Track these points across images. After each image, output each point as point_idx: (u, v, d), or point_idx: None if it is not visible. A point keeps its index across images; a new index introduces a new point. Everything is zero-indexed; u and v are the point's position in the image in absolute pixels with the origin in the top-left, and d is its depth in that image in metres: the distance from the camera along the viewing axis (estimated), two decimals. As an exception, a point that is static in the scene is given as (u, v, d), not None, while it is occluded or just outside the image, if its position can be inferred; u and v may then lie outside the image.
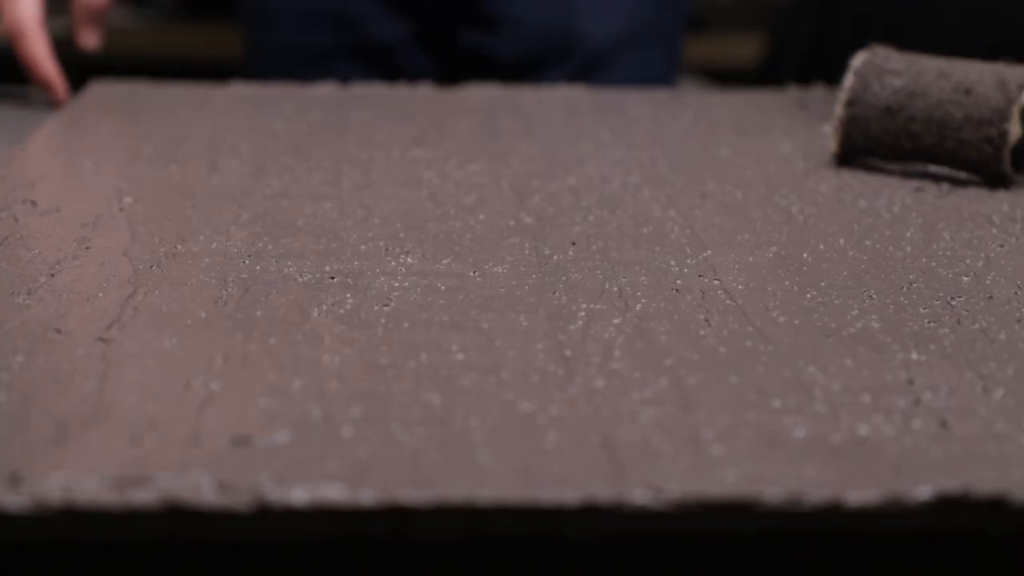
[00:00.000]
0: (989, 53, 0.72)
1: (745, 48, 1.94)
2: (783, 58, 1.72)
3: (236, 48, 1.17)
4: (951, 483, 0.38)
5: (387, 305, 0.52)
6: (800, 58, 1.67)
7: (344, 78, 0.99)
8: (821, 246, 0.60)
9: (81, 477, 0.37)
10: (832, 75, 0.99)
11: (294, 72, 1.01)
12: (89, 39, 0.95)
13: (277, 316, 0.50)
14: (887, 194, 0.69)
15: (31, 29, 0.89)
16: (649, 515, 0.37)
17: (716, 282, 0.55)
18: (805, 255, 0.59)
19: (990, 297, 0.54)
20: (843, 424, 0.42)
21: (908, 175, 0.73)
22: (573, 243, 0.60)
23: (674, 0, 1.14)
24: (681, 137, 0.82)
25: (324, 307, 0.51)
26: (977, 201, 0.68)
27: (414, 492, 0.37)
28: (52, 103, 0.91)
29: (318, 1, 1.09)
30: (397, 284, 0.54)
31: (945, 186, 0.70)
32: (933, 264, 0.58)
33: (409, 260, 0.57)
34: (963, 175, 0.71)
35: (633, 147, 0.79)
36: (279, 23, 1.11)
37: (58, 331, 0.49)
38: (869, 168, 0.74)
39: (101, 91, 0.94)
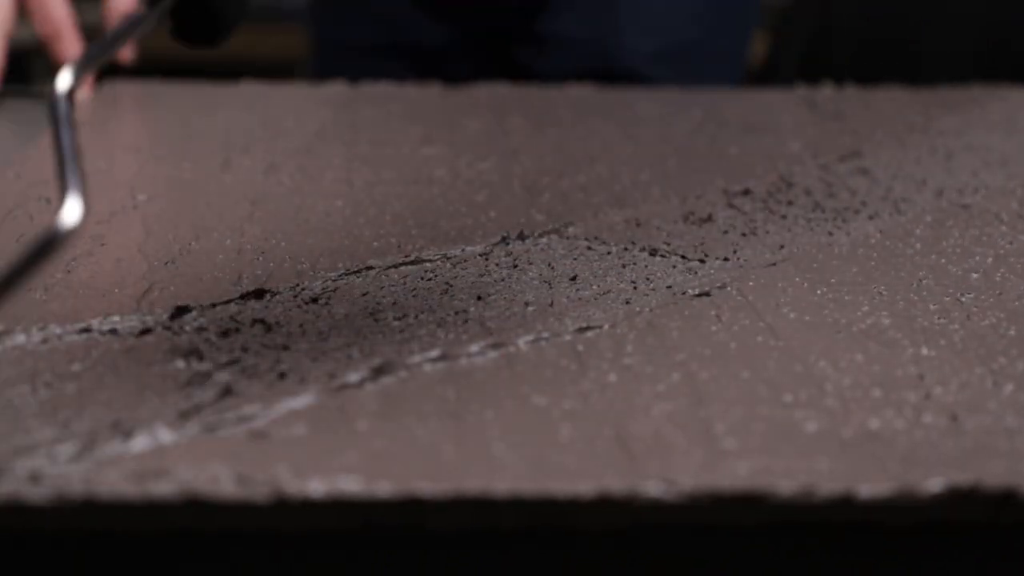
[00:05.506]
0: (985, 50, 0.71)
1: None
2: (783, 58, 1.72)
3: (237, 48, 1.18)
4: (961, 476, 0.39)
5: (400, 301, 0.52)
6: (800, 58, 1.68)
7: (398, 81, 1.00)
8: (831, 243, 0.60)
9: (102, 471, 0.38)
10: (832, 74, 0.99)
11: (349, 72, 1.03)
12: (123, 52, 0.96)
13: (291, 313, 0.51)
14: (897, 191, 0.69)
15: (66, 31, 0.90)
16: (662, 507, 0.38)
17: (727, 278, 0.55)
18: (815, 252, 0.59)
19: (1000, 293, 0.54)
20: (854, 418, 0.42)
21: (914, 173, 0.73)
22: (584, 240, 0.60)
23: (732, 19, 1.14)
24: (690, 135, 0.83)
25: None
26: (986, 199, 0.68)
27: (429, 484, 0.38)
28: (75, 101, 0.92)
29: (374, 4, 1.10)
30: (409, 280, 0.55)
31: (954, 184, 0.71)
32: (943, 261, 0.58)
33: (421, 257, 0.58)
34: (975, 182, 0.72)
35: (642, 145, 0.79)
36: (337, 23, 1.12)
37: (75, 326, 0.49)
38: (878, 165, 0.74)
39: (114, 90, 0.94)
